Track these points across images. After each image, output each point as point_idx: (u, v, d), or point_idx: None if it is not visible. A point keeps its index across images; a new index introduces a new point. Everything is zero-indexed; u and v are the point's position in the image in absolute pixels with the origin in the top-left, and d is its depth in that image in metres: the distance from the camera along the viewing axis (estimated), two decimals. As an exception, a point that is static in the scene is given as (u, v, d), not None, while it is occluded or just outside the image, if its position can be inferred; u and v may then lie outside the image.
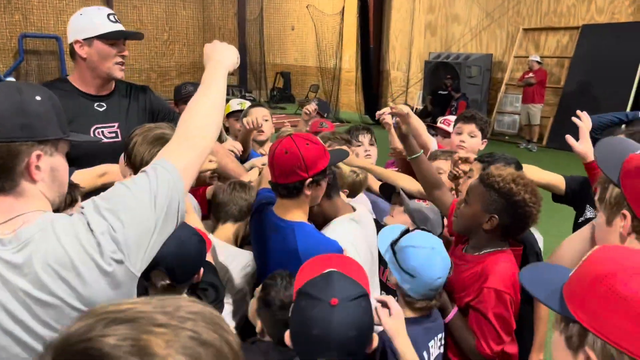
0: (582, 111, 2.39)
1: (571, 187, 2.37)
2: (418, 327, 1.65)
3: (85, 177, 1.97)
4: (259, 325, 1.64)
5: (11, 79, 11.59)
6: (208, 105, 1.36)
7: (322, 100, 4.40)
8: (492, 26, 12.83)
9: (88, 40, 2.28)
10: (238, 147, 2.70)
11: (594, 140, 1.80)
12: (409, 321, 1.60)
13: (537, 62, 10.84)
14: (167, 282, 1.54)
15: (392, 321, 1.53)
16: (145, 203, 1.13)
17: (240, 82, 17.80)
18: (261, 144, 3.18)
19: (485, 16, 12.85)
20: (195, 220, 1.94)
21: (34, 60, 14.24)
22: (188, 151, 1.26)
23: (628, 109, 9.98)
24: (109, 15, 2.32)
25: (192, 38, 17.66)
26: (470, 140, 2.90)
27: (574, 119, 2.29)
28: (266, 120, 3.10)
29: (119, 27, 2.34)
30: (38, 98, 1.15)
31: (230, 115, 3.47)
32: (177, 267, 1.54)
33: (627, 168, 1.27)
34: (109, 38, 2.29)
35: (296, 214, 1.83)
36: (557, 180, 2.40)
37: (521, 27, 12.18)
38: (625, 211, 1.25)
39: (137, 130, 1.82)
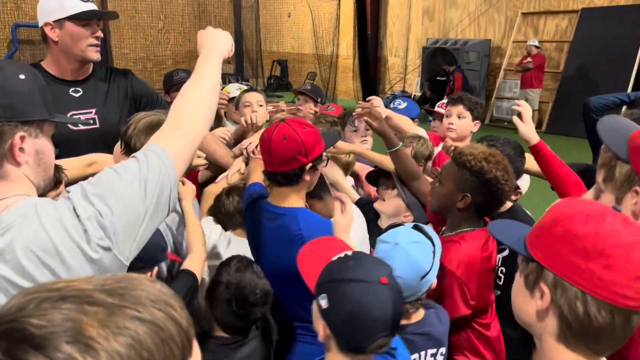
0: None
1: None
2: (410, 334, 1.58)
3: (73, 166, 1.89)
4: (204, 305, 1.71)
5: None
6: (201, 92, 1.32)
7: (314, 84, 4.23)
8: (490, 11, 12.69)
9: (59, 22, 2.17)
10: (229, 134, 2.63)
11: (594, 121, 1.76)
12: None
13: (536, 46, 10.76)
14: None
15: (342, 218, 1.62)
16: (134, 189, 1.09)
17: (237, 71, 17.67)
18: (255, 131, 3.09)
19: (484, 1, 12.71)
20: (191, 207, 1.91)
21: (28, 50, 14.07)
22: (180, 138, 1.22)
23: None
24: None
25: (187, 26, 17.47)
26: (459, 122, 2.82)
27: (514, 107, 2.23)
28: (261, 106, 3.02)
29: (91, 6, 2.23)
30: (22, 77, 1.10)
31: (230, 100, 3.39)
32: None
33: (635, 143, 1.26)
34: (81, 18, 2.18)
35: (295, 200, 1.81)
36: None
37: (520, 12, 12.05)
38: (637, 187, 1.25)
39: (134, 117, 1.77)
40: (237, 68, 18.02)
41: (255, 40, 17.43)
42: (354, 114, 2.51)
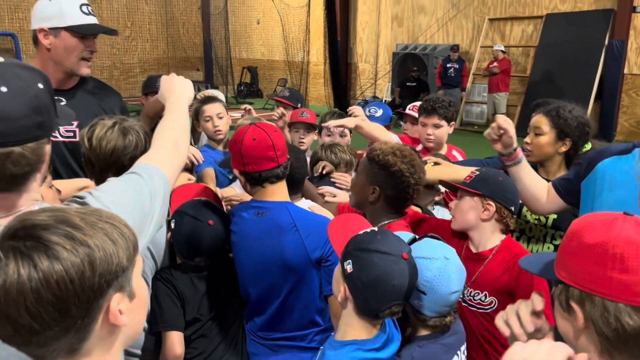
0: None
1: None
2: (434, 344, 1.51)
3: (65, 187, 1.81)
4: None
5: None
6: (180, 127, 1.49)
7: (293, 89, 4.12)
8: (458, 17, 12.86)
9: (54, 30, 2.03)
10: (197, 154, 2.53)
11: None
12: (422, 338, 1.50)
13: (502, 51, 10.93)
14: None
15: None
16: (145, 198, 1.21)
17: (207, 78, 17.50)
18: (219, 142, 2.96)
19: (451, 7, 12.88)
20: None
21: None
22: (171, 159, 1.38)
23: (592, 95, 10.15)
24: (81, 5, 2.07)
25: (155, 34, 17.25)
26: (436, 131, 2.83)
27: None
28: (221, 118, 2.92)
29: (93, 20, 2.10)
30: (40, 86, 1.09)
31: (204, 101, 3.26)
32: None
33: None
34: (80, 32, 2.06)
35: (279, 195, 1.86)
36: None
37: (487, 17, 12.25)
38: None
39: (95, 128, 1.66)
40: (207, 76, 17.84)
41: (224, 47, 17.28)
42: (330, 126, 2.64)
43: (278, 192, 1.86)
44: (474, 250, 1.89)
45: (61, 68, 2.11)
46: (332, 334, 1.45)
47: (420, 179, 1.84)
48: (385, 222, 1.86)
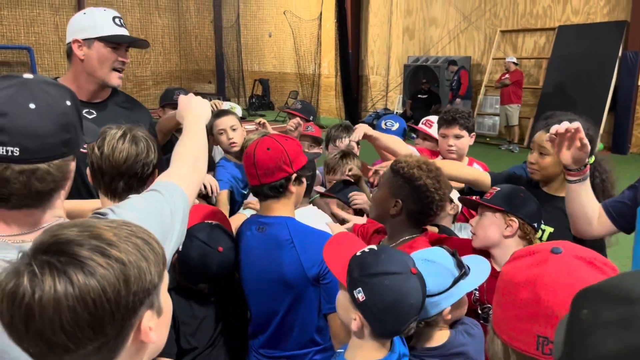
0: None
1: (497, 182, 2.25)
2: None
3: (79, 208, 1.80)
4: None
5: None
6: (198, 145, 1.51)
7: (305, 102, 4.12)
8: (469, 29, 12.86)
9: (88, 41, 2.11)
10: (214, 184, 2.55)
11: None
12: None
13: (514, 63, 10.88)
14: None
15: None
16: (165, 215, 1.21)
17: (218, 91, 17.61)
18: (234, 155, 2.94)
19: (463, 19, 12.88)
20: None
21: (5, 71, 13.87)
22: (190, 176, 1.39)
23: (606, 107, 10.05)
24: (114, 18, 2.15)
25: (168, 46, 17.43)
26: (458, 142, 2.79)
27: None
28: (235, 130, 2.91)
29: (124, 31, 2.17)
30: (68, 103, 1.10)
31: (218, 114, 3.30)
32: None
33: None
34: (112, 41, 2.12)
35: (283, 211, 1.83)
36: (481, 176, 2.30)
37: (498, 29, 12.22)
38: None
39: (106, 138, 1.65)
40: (219, 88, 17.97)
41: (236, 60, 17.41)
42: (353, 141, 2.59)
43: (280, 207, 1.81)
44: (497, 268, 1.79)
45: (93, 79, 2.16)
46: (340, 352, 1.41)
47: (444, 196, 1.79)
48: (407, 237, 1.82)
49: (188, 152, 1.45)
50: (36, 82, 1.07)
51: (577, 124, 1.69)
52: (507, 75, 10.81)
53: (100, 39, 2.11)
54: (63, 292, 0.71)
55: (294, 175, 1.77)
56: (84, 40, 2.11)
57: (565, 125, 1.70)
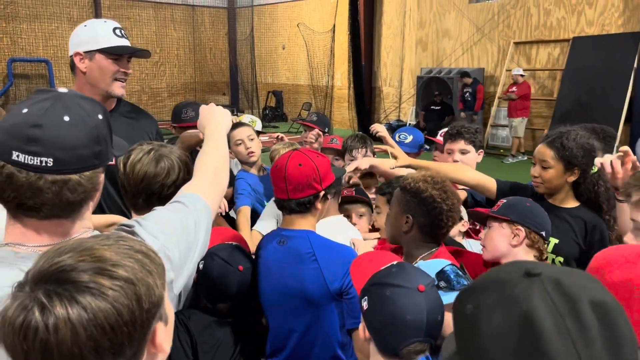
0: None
1: (502, 189, 2.26)
2: None
3: (94, 222, 1.82)
4: None
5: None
6: (220, 155, 1.52)
7: (320, 113, 4.11)
8: (483, 40, 12.85)
9: (89, 54, 2.13)
10: (223, 205, 2.52)
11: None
12: None
13: (521, 75, 10.78)
14: None
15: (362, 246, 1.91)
16: (190, 228, 1.23)
17: (232, 102, 17.75)
18: (252, 165, 2.97)
19: (476, 31, 12.88)
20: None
21: (23, 84, 14.14)
22: (212, 188, 1.40)
23: (622, 119, 9.96)
24: (115, 29, 2.16)
25: (183, 59, 17.63)
26: (463, 157, 2.72)
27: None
28: (252, 140, 2.93)
29: (125, 42, 2.18)
30: (100, 117, 1.12)
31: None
32: None
33: None
34: (112, 52, 2.14)
35: (305, 225, 1.83)
36: (487, 181, 2.29)
37: (512, 41, 12.19)
38: None
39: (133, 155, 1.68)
40: (233, 100, 18.11)
41: (250, 72, 17.56)
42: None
43: (303, 221, 1.82)
44: None
45: (97, 91, 2.17)
46: None
47: (453, 206, 1.79)
48: (426, 252, 1.81)
49: (210, 163, 1.46)
50: (70, 96, 1.10)
51: (625, 148, 1.70)
52: (514, 88, 10.74)
53: (101, 50, 2.12)
54: (77, 319, 0.69)
55: (322, 193, 1.79)
56: (85, 52, 2.13)
57: (610, 157, 1.71)
